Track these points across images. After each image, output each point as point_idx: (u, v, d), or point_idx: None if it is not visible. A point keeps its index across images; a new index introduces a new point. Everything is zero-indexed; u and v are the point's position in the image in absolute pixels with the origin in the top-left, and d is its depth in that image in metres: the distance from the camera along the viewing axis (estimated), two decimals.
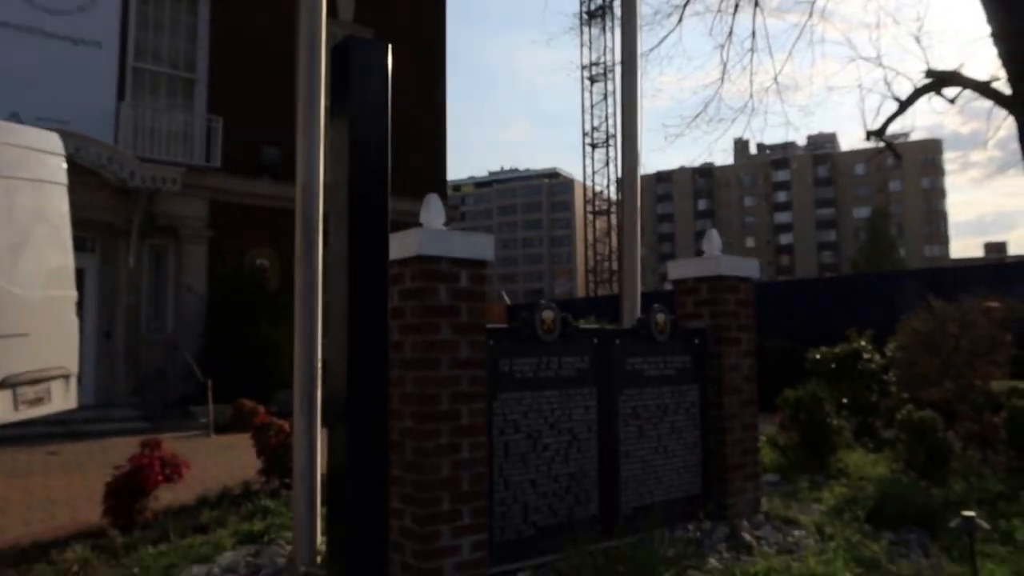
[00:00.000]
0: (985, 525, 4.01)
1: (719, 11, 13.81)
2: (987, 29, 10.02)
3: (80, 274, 8.96)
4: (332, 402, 3.01)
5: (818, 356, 9.39)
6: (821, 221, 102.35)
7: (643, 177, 7.82)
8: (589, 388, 4.48)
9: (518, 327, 4.22)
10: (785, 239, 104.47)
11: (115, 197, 13.79)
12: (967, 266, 21.38)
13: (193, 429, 12.09)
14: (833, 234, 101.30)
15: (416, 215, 3.76)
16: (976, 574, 3.78)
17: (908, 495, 5.27)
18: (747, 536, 4.69)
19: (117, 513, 5.37)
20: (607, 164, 47.77)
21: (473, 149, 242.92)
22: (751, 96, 15.99)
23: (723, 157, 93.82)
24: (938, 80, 11.45)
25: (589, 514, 4.39)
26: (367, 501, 2.92)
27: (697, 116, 15.53)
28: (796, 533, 4.86)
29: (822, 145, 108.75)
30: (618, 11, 7.55)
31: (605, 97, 47.63)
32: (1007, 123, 10.80)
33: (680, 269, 5.57)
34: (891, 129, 12.87)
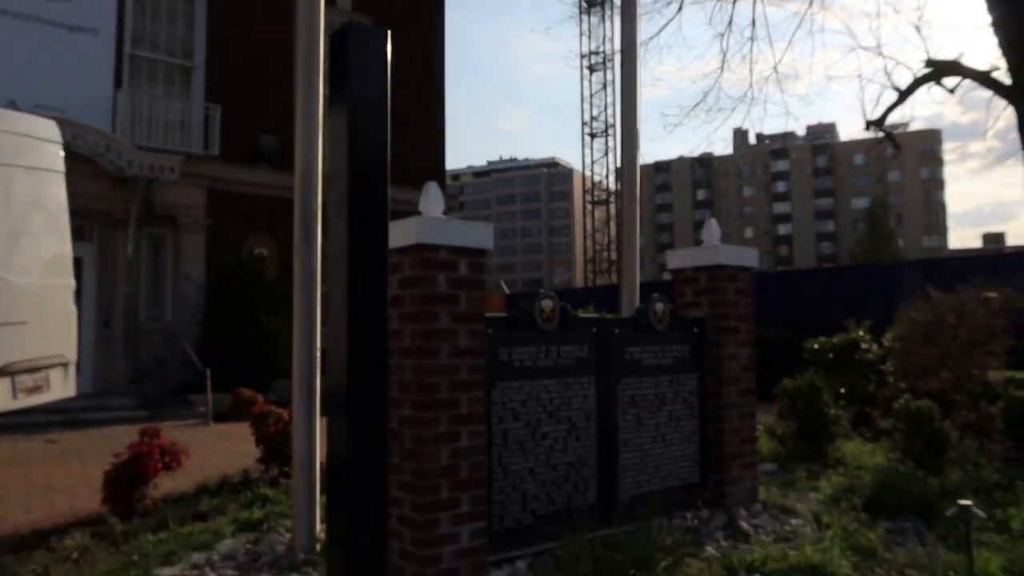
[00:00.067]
0: (981, 514, 4.03)
1: None
2: (987, 18, 10.00)
3: (78, 263, 8.96)
4: (331, 390, 3.00)
5: (816, 346, 9.41)
6: (820, 211, 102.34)
7: (642, 167, 7.82)
8: (588, 377, 4.49)
9: (517, 316, 4.22)
10: (784, 229, 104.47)
11: (113, 185, 13.76)
12: (965, 256, 21.40)
13: (192, 418, 12.11)
14: (832, 224, 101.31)
15: (415, 204, 3.76)
16: (972, 562, 3.80)
17: (905, 484, 5.29)
18: (744, 525, 4.71)
19: (116, 501, 5.38)
20: (606, 154, 47.73)
21: (472, 138, 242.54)
22: (751, 85, 15.98)
23: (722, 147, 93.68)
24: (938, 70, 11.43)
25: (588, 502, 4.41)
26: (367, 489, 2.92)
27: (696, 105, 15.45)
28: (793, 522, 4.88)
29: (821, 135, 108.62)
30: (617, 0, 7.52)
31: (604, 86, 47.53)
32: (1007, 113, 10.79)
33: (679, 258, 5.57)
34: (890, 119, 12.86)
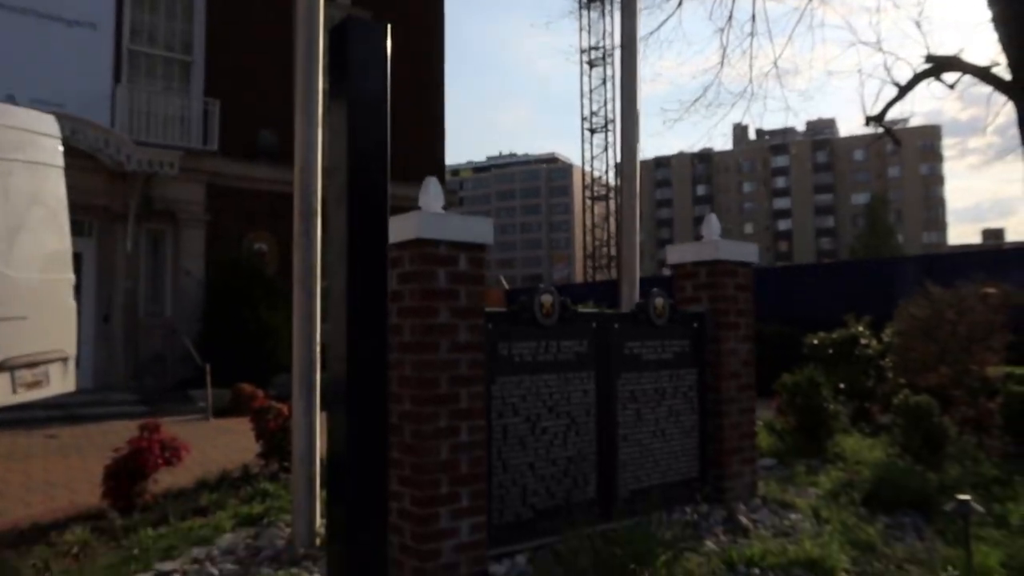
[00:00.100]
0: (980, 508, 4.04)
1: None
2: (988, 13, 9.99)
3: (77, 258, 8.96)
4: (331, 385, 3.00)
5: (816, 341, 9.42)
6: (820, 207, 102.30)
7: (642, 162, 7.81)
8: (587, 372, 4.49)
9: (517, 311, 4.22)
10: (784, 225, 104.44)
11: (112, 181, 13.75)
12: (965, 252, 21.41)
13: (192, 413, 12.12)
14: (831, 220, 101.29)
15: (414, 200, 3.76)
16: (970, 557, 3.81)
17: (904, 479, 5.30)
18: (744, 519, 4.72)
19: (116, 496, 5.39)
20: (606, 149, 47.65)
21: (471, 134, 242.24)
22: (751, 81, 15.96)
23: (722, 142, 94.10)
24: (938, 65, 11.42)
25: (587, 497, 4.41)
26: (366, 484, 2.92)
27: (696, 101, 15.51)
28: (792, 516, 4.89)
29: (821, 131, 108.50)
30: None
31: (604, 82, 47.43)
32: (1006, 109, 10.80)
33: (679, 253, 5.57)
34: (890, 115, 12.88)
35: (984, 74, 10.73)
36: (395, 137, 3.17)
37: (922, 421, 6.41)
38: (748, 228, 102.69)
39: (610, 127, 46.78)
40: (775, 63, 16.40)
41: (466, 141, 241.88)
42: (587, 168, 50.46)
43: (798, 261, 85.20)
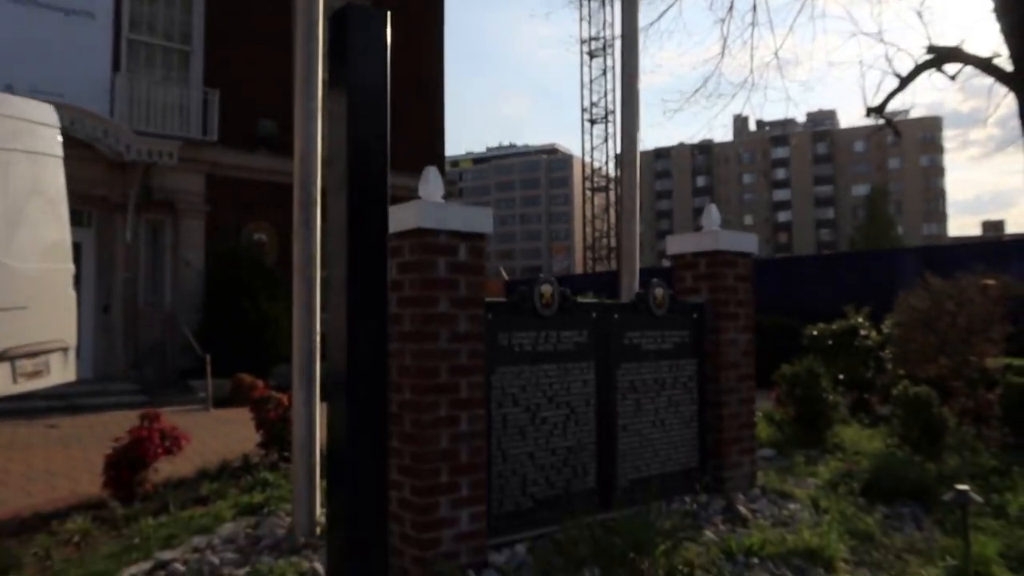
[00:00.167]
0: (978, 499, 4.05)
1: None
2: (989, 4, 9.95)
3: (77, 248, 8.94)
4: (331, 375, 3.01)
5: (815, 332, 9.43)
6: (820, 198, 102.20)
7: (642, 154, 7.79)
8: (587, 362, 4.50)
9: (517, 301, 4.22)
10: (783, 216, 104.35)
11: (111, 171, 13.73)
12: (965, 244, 21.40)
13: (192, 403, 12.14)
14: (831, 212, 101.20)
15: (414, 190, 3.75)
16: (968, 547, 3.82)
17: (902, 469, 5.31)
18: (743, 509, 4.73)
19: (117, 485, 5.41)
20: (606, 140, 47.61)
21: (471, 124, 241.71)
22: (751, 71, 15.93)
23: (722, 134, 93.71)
24: (939, 56, 11.39)
25: (587, 487, 4.42)
26: (367, 473, 2.93)
27: (697, 91, 15.48)
28: (791, 506, 4.90)
29: (822, 122, 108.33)
30: None
31: (604, 72, 47.34)
32: (1007, 100, 10.78)
33: (679, 243, 5.56)
34: (891, 106, 12.85)
35: (985, 65, 10.71)
36: (394, 127, 3.16)
37: (921, 412, 6.42)
38: (748, 219, 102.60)
39: (610, 118, 46.71)
40: (776, 53, 16.34)
41: (466, 132, 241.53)
42: (587, 159, 50.40)
43: (798, 252, 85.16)
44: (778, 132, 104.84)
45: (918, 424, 6.39)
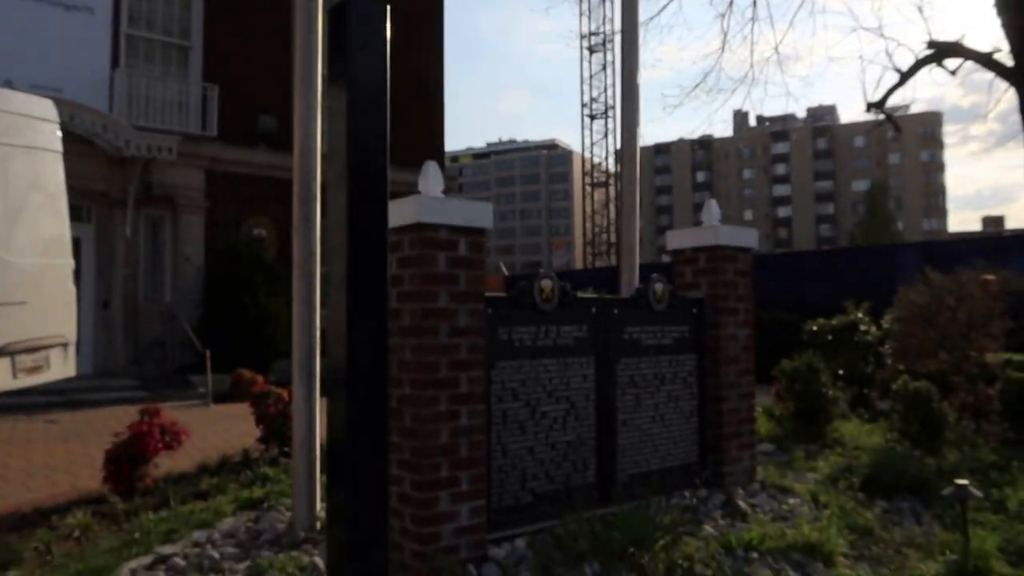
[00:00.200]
0: (977, 493, 4.06)
1: None
2: None
3: (76, 243, 8.94)
4: (331, 370, 3.00)
5: (815, 328, 9.42)
6: (820, 194, 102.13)
7: (642, 149, 7.78)
8: (587, 357, 4.49)
9: (516, 296, 4.22)
10: (783, 212, 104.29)
11: (110, 166, 13.72)
12: (965, 239, 21.39)
13: (192, 398, 12.15)
14: (831, 207, 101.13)
15: (414, 186, 3.74)
16: (968, 541, 3.83)
17: (902, 464, 5.32)
18: (742, 504, 4.73)
19: (117, 480, 5.41)
20: (606, 136, 47.49)
21: (471, 120, 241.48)
22: (751, 66, 15.89)
23: (722, 129, 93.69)
24: (940, 51, 11.38)
25: (586, 481, 4.42)
26: (367, 468, 2.93)
27: (697, 86, 15.41)
28: (791, 501, 4.91)
29: (822, 117, 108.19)
30: None
31: (604, 67, 47.22)
32: (1008, 95, 10.77)
33: (679, 239, 5.56)
34: (891, 101, 12.84)
35: (986, 60, 10.70)
36: (394, 122, 3.15)
37: (921, 407, 6.42)
38: (748, 215, 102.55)
39: (610, 113, 46.62)
40: (776, 49, 16.36)
41: (466, 127, 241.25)
42: (587, 155, 50.32)
43: (798, 248, 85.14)
44: (778, 127, 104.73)
45: (918, 419, 6.40)
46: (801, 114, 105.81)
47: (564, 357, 4.38)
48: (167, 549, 4.13)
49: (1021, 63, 9.74)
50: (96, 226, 14.05)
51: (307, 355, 4.47)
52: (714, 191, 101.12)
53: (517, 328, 4.16)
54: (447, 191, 3.96)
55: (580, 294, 4.69)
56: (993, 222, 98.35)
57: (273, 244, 15.44)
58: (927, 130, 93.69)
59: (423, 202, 3.64)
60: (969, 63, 11.20)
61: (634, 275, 6.77)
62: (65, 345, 6.94)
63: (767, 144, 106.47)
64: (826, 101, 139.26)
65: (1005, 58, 10.20)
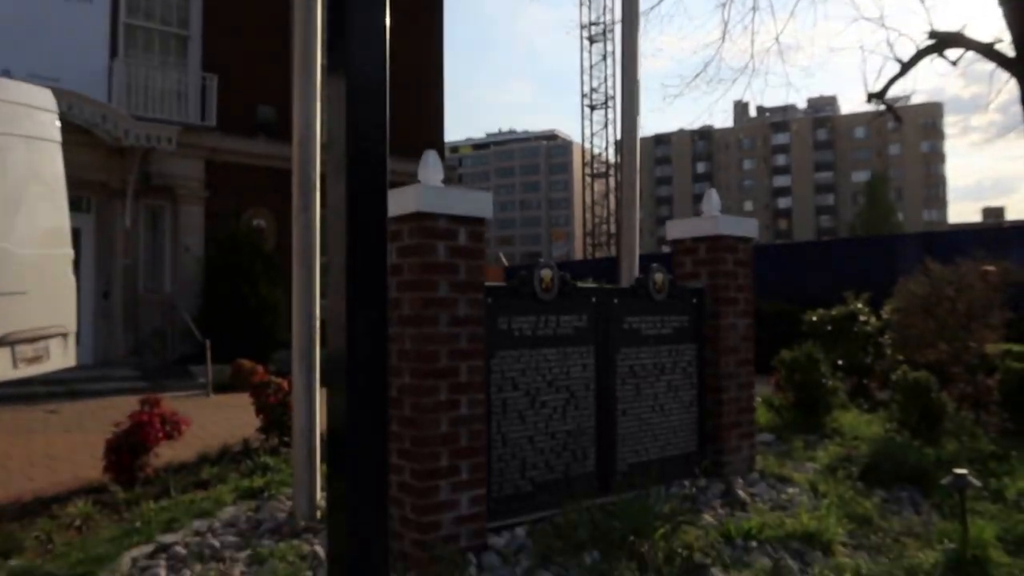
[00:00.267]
0: (976, 483, 4.06)
1: None
2: None
3: (76, 234, 8.92)
4: (331, 360, 3.01)
5: (815, 318, 9.43)
6: (820, 185, 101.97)
7: (642, 140, 7.77)
8: (587, 346, 4.50)
9: (516, 285, 4.22)
10: (784, 203, 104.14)
11: (109, 156, 13.69)
12: (965, 230, 21.37)
13: (192, 389, 12.16)
14: (831, 198, 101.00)
15: (413, 176, 3.73)
16: (966, 531, 3.84)
17: (901, 454, 5.33)
18: (742, 493, 4.75)
19: (118, 469, 5.42)
20: (606, 126, 47.45)
21: (470, 110, 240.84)
22: (752, 56, 15.86)
23: (723, 119, 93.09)
24: (941, 41, 11.34)
25: (586, 470, 4.44)
26: (367, 457, 2.93)
27: (697, 76, 15.41)
28: (790, 490, 4.93)
29: (822, 108, 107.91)
30: None
31: (604, 57, 47.12)
32: (1009, 86, 10.74)
33: (679, 228, 5.56)
34: (892, 92, 12.81)
35: (987, 51, 10.66)
36: (394, 112, 3.12)
37: (920, 397, 6.44)
38: (748, 205, 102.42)
39: (610, 104, 46.54)
40: (777, 39, 16.30)
41: (465, 118, 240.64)
42: (587, 145, 50.24)
43: (798, 239, 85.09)
44: (778, 118, 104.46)
45: (917, 409, 6.41)
46: (802, 104, 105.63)
47: (564, 346, 4.38)
48: (168, 538, 4.14)
49: (1022, 54, 9.71)
50: (96, 216, 14.03)
51: (307, 345, 4.47)
52: (714, 182, 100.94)
53: (517, 318, 4.17)
54: (447, 181, 3.95)
55: (580, 284, 4.69)
56: (993, 213, 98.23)
57: (272, 234, 15.43)
58: (928, 121, 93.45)
59: (423, 191, 3.63)
60: (970, 53, 11.17)
61: (634, 265, 6.77)
62: (65, 335, 6.94)
63: (767, 135, 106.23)
64: (827, 92, 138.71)
65: (1006, 48, 10.16)
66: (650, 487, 4.34)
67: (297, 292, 4.51)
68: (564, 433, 4.34)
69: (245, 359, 11.64)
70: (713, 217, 5.28)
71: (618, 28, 7.53)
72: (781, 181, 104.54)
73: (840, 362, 8.62)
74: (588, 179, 52.42)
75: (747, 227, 5.51)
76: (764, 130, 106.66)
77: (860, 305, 9.27)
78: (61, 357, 6.90)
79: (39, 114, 6.79)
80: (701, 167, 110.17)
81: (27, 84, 7.13)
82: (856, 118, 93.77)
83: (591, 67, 47.92)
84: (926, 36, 11.39)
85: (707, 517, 4.30)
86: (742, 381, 5.36)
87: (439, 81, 19.04)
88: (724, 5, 12.66)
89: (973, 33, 11.15)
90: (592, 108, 48.09)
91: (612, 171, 47.52)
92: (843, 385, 8.00)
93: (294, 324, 4.51)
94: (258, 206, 15.54)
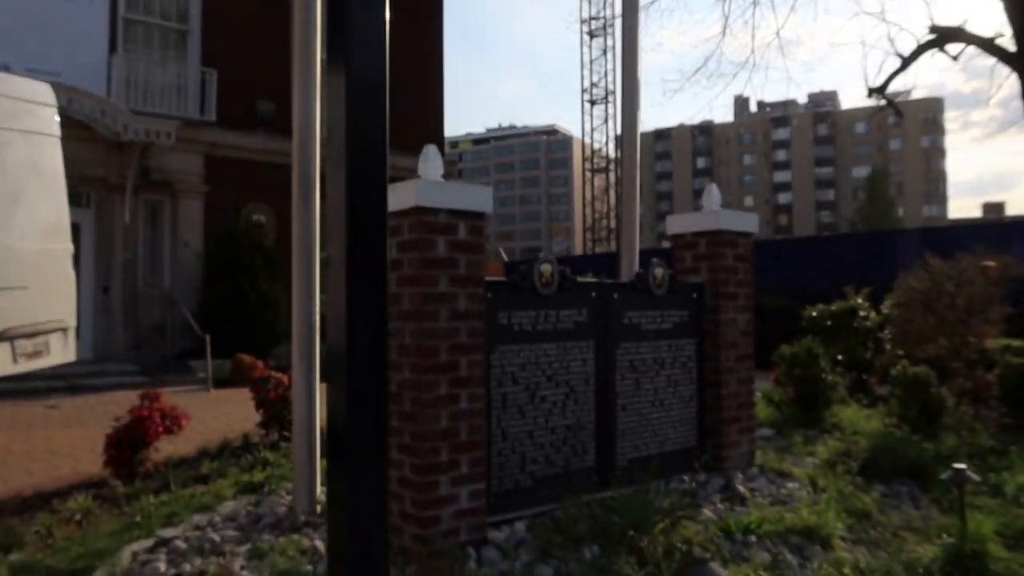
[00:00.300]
0: (975, 477, 4.07)
1: None
2: None
3: (75, 229, 8.92)
4: (331, 355, 3.01)
5: (815, 313, 9.42)
6: (820, 180, 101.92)
7: (642, 135, 7.76)
8: (587, 341, 4.50)
9: (516, 280, 4.22)
10: (784, 198, 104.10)
11: (109, 151, 13.66)
12: (965, 225, 21.36)
13: (192, 384, 12.17)
14: (832, 193, 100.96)
15: (413, 170, 3.73)
16: (965, 525, 3.84)
17: (900, 449, 5.33)
18: (741, 488, 4.75)
19: (118, 464, 5.43)
20: (606, 121, 47.37)
21: (471, 105, 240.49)
22: (752, 51, 15.86)
23: (723, 114, 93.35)
24: (942, 36, 11.32)
25: (586, 465, 4.44)
26: (367, 452, 2.94)
27: (697, 71, 15.34)
28: (789, 485, 4.93)
29: (823, 103, 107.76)
30: None
31: (604, 52, 47.05)
32: (1010, 81, 10.73)
33: (679, 223, 5.55)
34: (893, 87, 12.79)
35: (988, 45, 10.64)
36: (393, 107, 3.12)
37: (920, 392, 6.44)
38: (748, 201, 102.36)
39: (610, 98, 46.48)
40: (777, 33, 16.28)
41: (465, 113, 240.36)
42: (587, 140, 50.18)
43: (798, 234, 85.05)
44: (779, 113, 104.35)
45: (916, 404, 6.42)
46: (802, 100, 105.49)
47: (564, 341, 4.38)
48: (168, 532, 4.15)
49: (1023, 48, 9.69)
50: (95, 211, 14.02)
51: (307, 340, 4.47)
52: (714, 177, 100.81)
53: (517, 312, 4.17)
54: (447, 176, 3.95)
55: (580, 279, 4.68)
56: (993, 208, 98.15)
57: (272, 229, 15.41)
58: (928, 116, 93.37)
59: (422, 186, 3.63)
60: (971, 48, 11.15)
61: (634, 260, 6.77)
62: (65, 330, 6.94)
63: (768, 130, 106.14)
64: (827, 87, 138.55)
65: (1007, 43, 10.14)
66: (650, 482, 4.34)
67: (297, 287, 4.50)
68: (564, 428, 4.34)
69: (245, 354, 11.65)
70: (713, 212, 5.27)
71: (618, 23, 7.52)
72: (781, 176, 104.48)
73: (840, 357, 8.62)
74: (588, 174, 52.36)
75: (747, 222, 5.50)
76: (764, 125, 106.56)
77: (860, 300, 9.26)
78: (61, 352, 6.91)
79: (39, 109, 6.79)
80: (701, 162, 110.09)
81: (27, 79, 7.13)
82: (856, 113, 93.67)
83: (591, 62, 47.87)
84: (927, 31, 11.37)
85: (707, 512, 4.30)
86: (742, 376, 5.37)
87: (439, 76, 19.01)
88: None
89: (974, 28, 11.10)
90: (592, 103, 48.03)
91: (612, 166, 47.48)
92: (843, 380, 8.00)
93: (294, 319, 4.51)
94: (258, 201, 15.52)
